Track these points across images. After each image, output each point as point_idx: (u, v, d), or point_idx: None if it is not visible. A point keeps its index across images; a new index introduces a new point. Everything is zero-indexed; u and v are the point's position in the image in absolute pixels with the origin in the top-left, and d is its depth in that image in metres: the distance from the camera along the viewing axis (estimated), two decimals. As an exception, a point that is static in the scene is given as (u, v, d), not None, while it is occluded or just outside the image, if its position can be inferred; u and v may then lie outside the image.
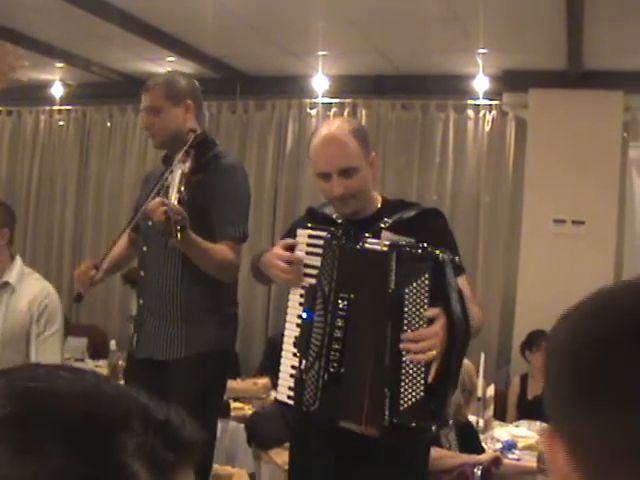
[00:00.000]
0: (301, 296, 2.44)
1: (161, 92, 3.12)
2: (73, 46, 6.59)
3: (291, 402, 2.43)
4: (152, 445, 0.72)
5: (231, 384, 5.32)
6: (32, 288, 3.43)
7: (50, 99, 7.78)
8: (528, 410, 5.13)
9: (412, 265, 2.22)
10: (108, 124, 7.87)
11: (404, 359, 2.21)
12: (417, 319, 2.20)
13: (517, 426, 4.64)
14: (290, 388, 2.42)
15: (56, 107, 8.01)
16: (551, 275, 5.94)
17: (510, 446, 4.11)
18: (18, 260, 3.51)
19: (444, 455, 3.41)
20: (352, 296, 2.33)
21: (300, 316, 2.43)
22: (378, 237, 2.35)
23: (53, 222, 7.99)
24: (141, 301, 3.19)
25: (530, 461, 3.86)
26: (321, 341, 2.35)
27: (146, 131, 3.19)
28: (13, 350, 3.36)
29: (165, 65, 6.70)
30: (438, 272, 2.20)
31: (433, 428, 2.27)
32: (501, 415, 5.17)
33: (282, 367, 2.45)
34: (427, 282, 2.19)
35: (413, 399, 2.22)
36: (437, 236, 2.42)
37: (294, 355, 2.43)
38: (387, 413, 2.22)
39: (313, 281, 2.40)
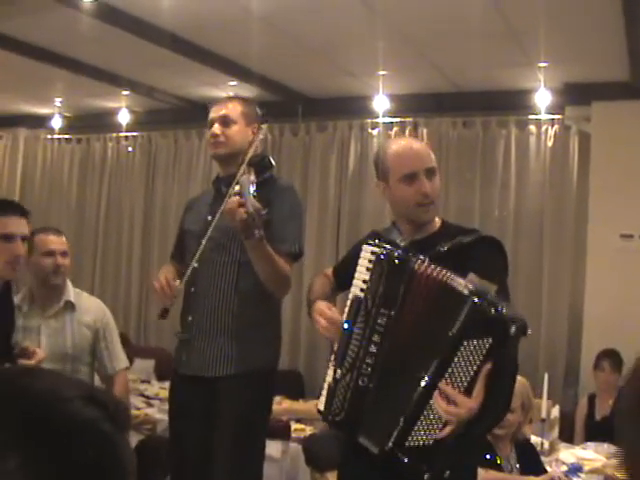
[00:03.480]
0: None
1: (239, 107, 3.20)
2: (137, 74, 6.75)
3: (322, 409, 2.45)
4: None
5: (294, 405, 5.35)
6: (89, 305, 3.77)
7: (117, 126, 7.98)
8: (596, 431, 5.00)
9: (482, 322, 2.15)
10: (173, 149, 8.02)
11: (431, 402, 2.18)
12: (462, 375, 2.15)
13: (584, 448, 4.51)
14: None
15: (123, 134, 8.21)
16: (618, 292, 5.79)
17: (576, 469, 3.99)
18: (69, 282, 3.78)
19: (501, 478, 3.34)
20: (392, 313, 2.30)
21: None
22: (439, 261, 2.31)
23: (121, 246, 8.15)
24: (190, 318, 3.19)
25: (596, 485, 3.76)
26: (356, 353, 2.34)
27: (213, 139, 3.18)
28: (82, 363, 3.65)
29: (227, 89, 6.79)
30: (502, 341, 2.14)
31: (425, 477, 2.23)
32: (569, 437, 5.04)
33: (326, 378, 2.46)
34: (487, 346, 2.13)
35: (420, 442, 2.21)
36: (490, 265, 2.38)
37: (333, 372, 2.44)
38: (392, 440, 2.23)
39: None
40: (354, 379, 2.34)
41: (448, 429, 2.14)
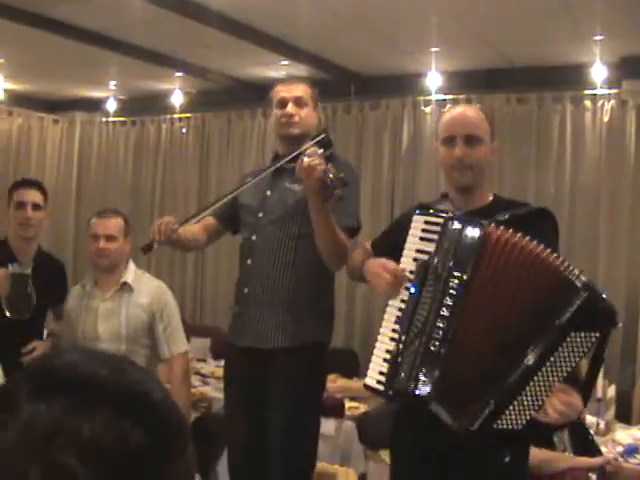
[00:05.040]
0: (402, 301, 2.41)
1: (310, 91, 3.29)
2: (189, 56, 6.79)
3: (380, 387, 2.37)
4: None
5: (348, 383, 5.38)
6: (148, 287, 3.78)
7: (171, 108, 8.05)
8: (654, 411, 4.93)
9: (592, 316, 2.16)
10: (226, 130, 8.06)
11: (528, 388, 2.17)
12: (563, 365, 2.15)
13: (641, 428, 4.45)
14: (381, 373, 2.37)
15: (176, 115, 8.28)
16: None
17: (632, 450, 3.94)
18: (132, 263, 3.84)
19: (553, 458, 3.31)
20: (465, 277, 2.27)
21: (403, 300, 2.40)
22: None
23: (176, 228, 8.21)
24: (246, 290, 3.22)
25: (653, 465, 3.71)
26: (426, 317, 2.30)
27: (287, 119, 3.22)
28: (138, 344, 3.70)
29: (279, 69, 6.81)
30: (607, 334, 2.15)
31: (506, 459, 2.23)
32: (626, 417, 4.97)
33: (376, 352, 2.41)
34: (593, 340, 2.14)
35: (510, 426, 2.19)
36: (546, 237, 2.36)
37: (391, 340, 2.38)
38: (478, 422, 2.20)
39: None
40: (424, 344, 2.29)
41: (550, 420, 2.14)
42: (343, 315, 6.89)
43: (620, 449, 3.93)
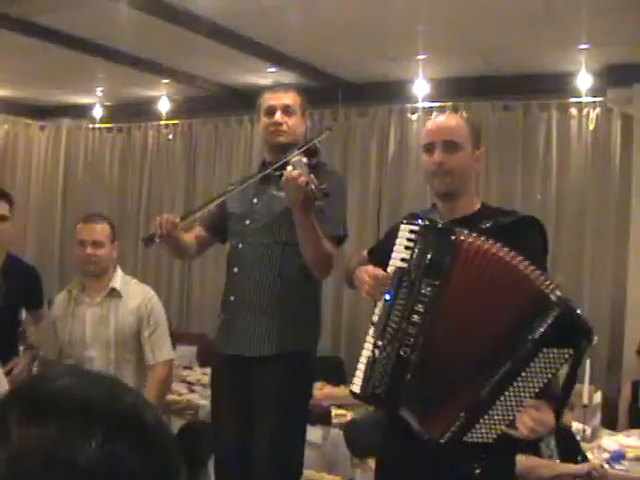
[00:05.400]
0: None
1: (298, 98, 3.28)
2: (176, 62, 6.79)
3: (358, 391, 2.38)
4: None
5: (334, 390, 5.37)
6: (136, 291, 3.76)
7: (157, 115, 8.05)
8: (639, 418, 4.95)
9: (567, 332, 2.11)
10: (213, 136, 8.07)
11: (498, 403, 2.16)
12: (535, 381, 2.12)
13: (627, 435, 4.47)
14: (362, 378, 2.38)
15: (163, 122, 8.27)
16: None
17: (618, 456, 3.96)
18: (119, 269, 3.82)
19: (540, 465, 3.32)
20: (437, 283, 2.27)
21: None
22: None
23: (163, 234, 8.21)
24: (232, 297, 3.22)
25: (639, 472, 3.72)
26: (398, 323, 2.31)
27: (275, 127, 3.21)
28: (127, 350, 3.68)
29: (267, 76, 6.82)
30: (582, 351, 2.11)
31: (476, 471, 2.23)
32: (612, 423, 4.99)
33: (360, 359, 2.40)
34: (566, 356, 2.10)
35: (479, 439, 2.19)
36: (529, 245, 2.37)
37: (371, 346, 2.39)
38: (449, 435, 2.20)
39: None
40: (395, 350, 2.30)
41: (520, 435, 2.14)
42: (329, 322, 6.89)
43: (606, 455, 3.96)
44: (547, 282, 2.16)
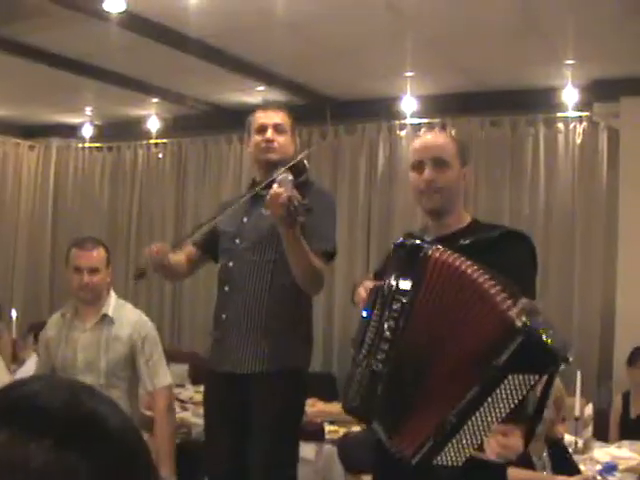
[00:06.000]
0: None
1: (288, 118, 3.33)
2: (166, 82, 6.82)
3: (342, 402, 2.48)
4: None
5: (327, 407, 5.37)
6: (129, 318, 3.70)
7: (147, 133, 8.07)
8: (631, 429, 4.97)
9: (530, 357, 2.08)
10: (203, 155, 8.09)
11: (467, 427, 2.16)
12: (501, 406, 2.12)
13: (619, 447, 4.48)
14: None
15: (153, 141, 8.29)
16: (651, 288, 5.75)
17: (610, 468, 3.97)
18: (112, 293, 3.78)
19: (532, 478, 3.33)
20: (405, 300, 2.30)
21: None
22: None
23: (154, 252, 8.21)
24: (224, 316, 3.24)
25: (631, 483, 3.74)
26: (372, 339, 2.34)
27: (267, 144, 3.25)
28: (118, 376, 3.63)
29: (256, 95, 6.85)
30: (550, 378, 2.11)
31: None
32: (603, 435, 5.00)
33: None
34: (532, 382, 2.09)
35: (449, 462, 2.20)
36: (515, 260, 2.39)
37: None
38: (420, 456, 2.22)
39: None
40: (370, 364, 2.33)
41: (487, 458, 2.16)
42: (321, 339, 6.90)
43: (599, 467, 3.96)
44: (513, 306, 2.12)
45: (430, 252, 2.30)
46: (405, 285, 2.32)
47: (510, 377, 2.09)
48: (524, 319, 2.08)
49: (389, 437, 2.31)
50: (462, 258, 2.25)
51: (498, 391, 2.11)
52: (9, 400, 0.81)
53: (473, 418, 2.16)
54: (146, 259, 3.13)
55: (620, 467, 4.01)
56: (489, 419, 2.14)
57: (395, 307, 2.31)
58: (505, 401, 2.11)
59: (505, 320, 2.11)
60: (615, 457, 4.17)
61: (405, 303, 2.30)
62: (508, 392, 2.10)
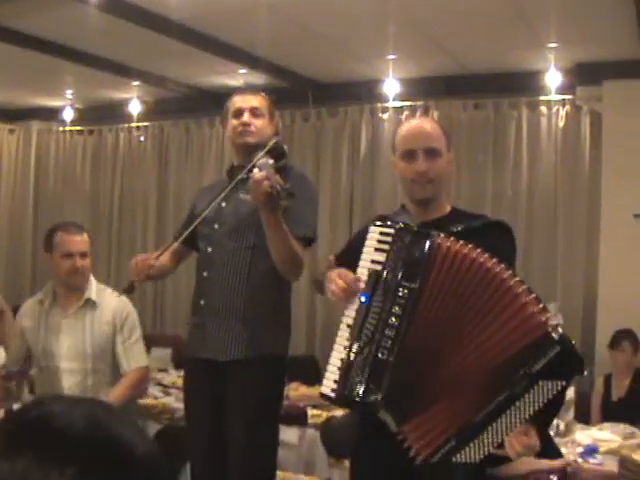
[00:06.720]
0: (355, 310, 2.42)
1: (266, 102, 3.30)
2: (147, 64, 6.76)
3: (332, 394, 2.36)
4: None
5: (310, 391, 5.37)
6: (110, 302, 3.70)
7: (128, 117, 8.01)
8: (612, 412, 5.00)
9: (562, 365, 2.14)
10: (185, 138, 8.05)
11: (491, 428, 2.19)
12: (527, 409, 2.16)
13: (600, 429, 4.51)
14: (335, 381, 2.35)
15: (134, 124, 8.23)
16: (633, 271, 5.77)
17: (591, 450, 3.99)
18: (92, 278, 3.76)
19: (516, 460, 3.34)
20: (414, 286, 2.27)
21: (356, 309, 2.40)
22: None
23: (135, 236, 8.20)
24: (202, 302, 3.21)
25: (612, 466, 3.75)
26: (375, 325, 2.30)
27: (243, 127, 3.23)
28: (103, 360, 3.65)
29: (238, 78, 6.81)
30: (570, 381, 2.19)
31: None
32: (585, 418, 5.03)
33: (331, 360, 2.38)
34: (559, 388, 2.14)
35: (467, 459, 2.21)
36: (498, 249, 2.38)
37: (344, 348, 2.35)
38: (440, 454, 2.22)
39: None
40: (373, 352, 2.28)
41: (505, 454, 2.17)
42: (304, 322, 6.90)
43: (580, 450, 3.98)
44: (543, 311, 2.18)
45: (439, 239, 2.30)
46: (411, 271, 2.30)
47: (540, 383, 2.14)
48: (560, 330, 2.16)
49: (399, 426, 2.28)
50: (470, 246, 2.26)
51: (527, 396, 2.16)
52: (25, 422, 0.77)
53: (498, 420, 2.18)
54: (131, 273, 3.11)
55: (601, 449, 4.02)
56: (514, 420, 2.18)
57: (401, 294, 2.29)
58: (531, 405, 2.16)
59: (539, 326, 2.16)
60: (597, 439, 4.19)
61: (414, 290, 2.28)
62: (535, 396, 2.15)
